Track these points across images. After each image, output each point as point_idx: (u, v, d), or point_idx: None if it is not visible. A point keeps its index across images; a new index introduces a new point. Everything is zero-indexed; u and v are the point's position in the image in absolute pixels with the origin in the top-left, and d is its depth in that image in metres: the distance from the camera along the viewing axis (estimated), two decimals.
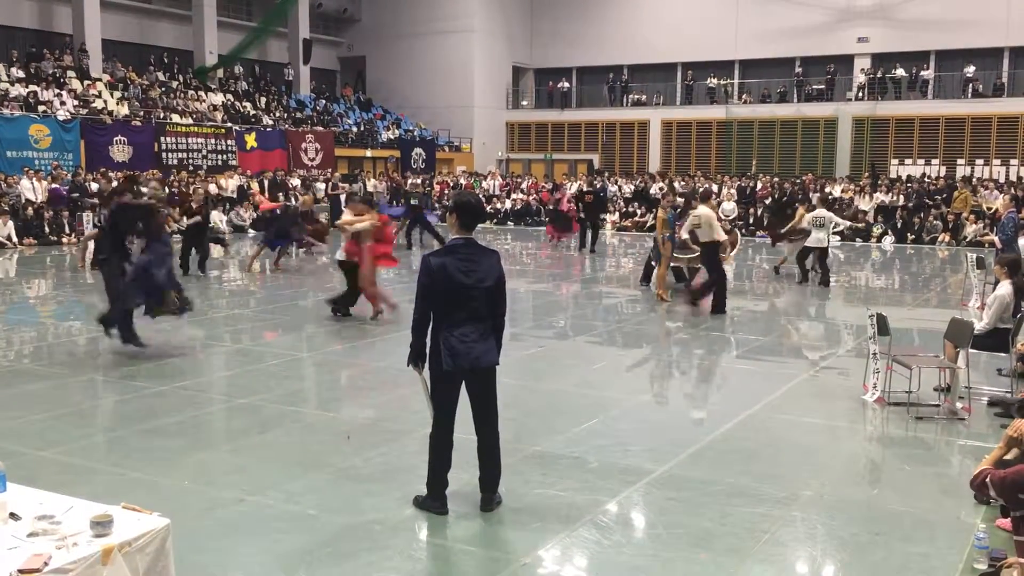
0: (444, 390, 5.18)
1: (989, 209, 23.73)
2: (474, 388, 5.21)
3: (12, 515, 3.40)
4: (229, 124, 29.26)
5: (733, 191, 27.39)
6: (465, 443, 5.35)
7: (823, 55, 33.13)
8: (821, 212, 14.91)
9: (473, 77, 36.55)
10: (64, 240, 20.91)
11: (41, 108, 24.34)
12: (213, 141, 28.12)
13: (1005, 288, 8.05)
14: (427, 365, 5.18)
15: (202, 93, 30.56)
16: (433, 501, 5.25)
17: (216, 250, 18.15)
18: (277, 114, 32.49)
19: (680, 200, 15.44)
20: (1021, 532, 4.40)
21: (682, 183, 26.57)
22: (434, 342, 5.14)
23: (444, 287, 5.04)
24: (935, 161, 30.34)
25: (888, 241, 23.97)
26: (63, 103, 25.24)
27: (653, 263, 13.91)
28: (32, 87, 25.09)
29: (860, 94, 32.42)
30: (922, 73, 31.80)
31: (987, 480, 4.48)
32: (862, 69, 32.73)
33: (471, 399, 5.23)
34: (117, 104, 26.91)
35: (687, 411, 7.89)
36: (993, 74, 31.16)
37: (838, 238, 19.21)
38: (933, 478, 6.14)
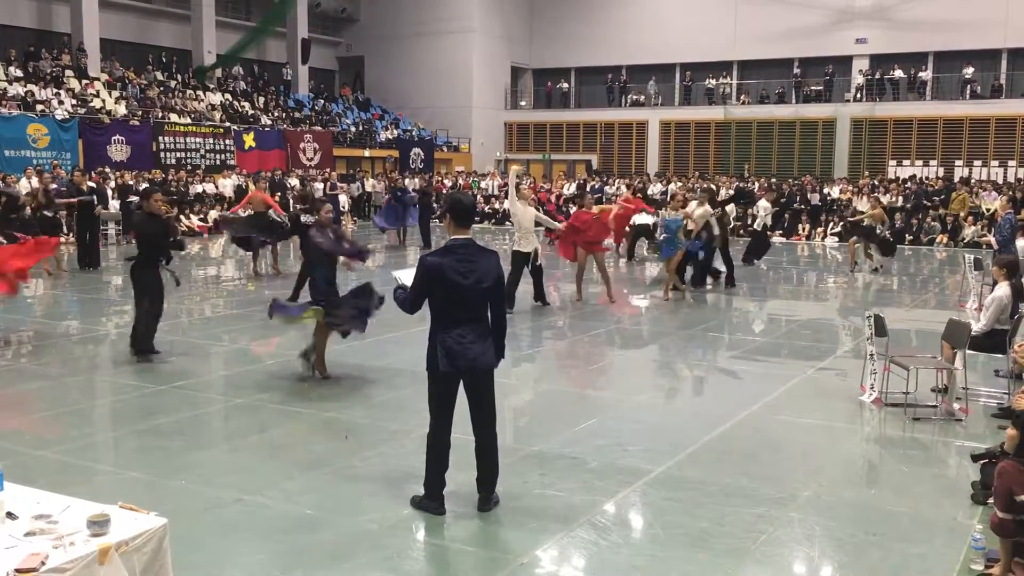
0: (441, 391, 5.17)
1: (987, 210, 23.76)
2: (472, 389, 5.20)
3: (9, 514, 3.40)
4: (227, 124, 29.24)
5: (732, 192, 27.35)
6: (463, 443, 5.35)
7: (821, 56, 33.14)
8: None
9: (472, 77, 36.55)
10: (61, 239, 20.85)
11: (39, 107, 24.32)
12: (211, 141, 28.10)
13: (1003, 289, 8.05)
14: (425, 365, 5.19)
15: (200, 93, 30.54)
16: (431, 501, 5.25)
17: None
18: (275, 114, 32.47)
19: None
20: (1008, 533, 4.42)
21: (678, 184, 26.66)
22: (431, 343, 5.13)
23: (441, 288, 5.03)
24: (933, 162, 30.38)
25: None
26: (61, 102, 25.21)
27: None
28: (30, 86, 25.06)
29: (858, 95, 32.44)
30: (920, 74, 31.83)
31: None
32: (860, 70, 32.75)
33: (469, 400, 5.22)
34: (115, 103, 26.89)
35: (685, 411, 7.89)
36: (991, 75, 31.19)
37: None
38: (930, 479, 6.14)
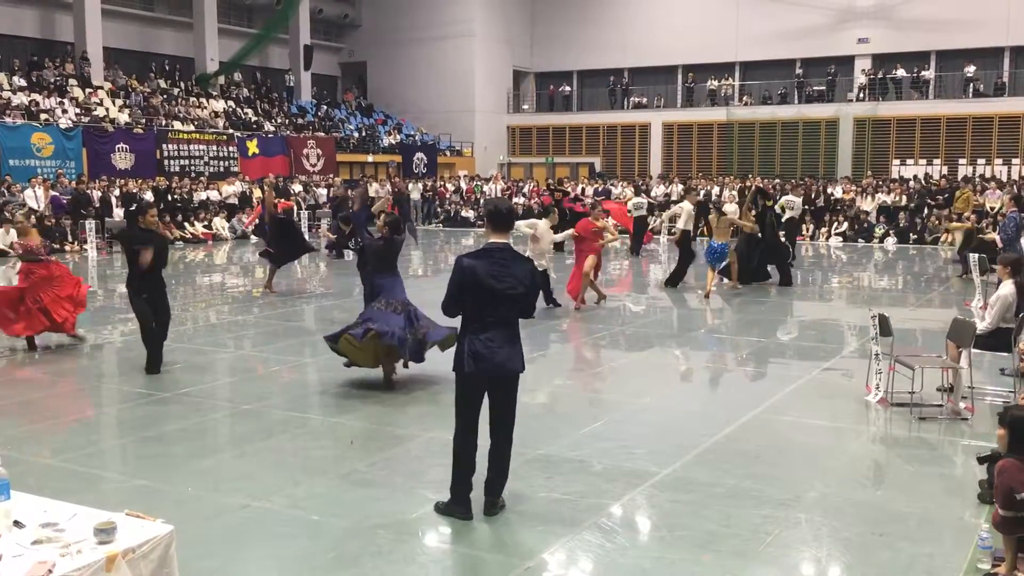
0: (467, 393, 5.16)
1: (992, 209, 23.69)
2: (495, 393, 5.18)
3: (16, 523, 3.41)
4: (231, 131, 29.32)
5: (735, 193, 27.34)
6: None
7: (824, 56, 33.16)
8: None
9: (474, 81, 36.62)
10: (67, 248, 20.94)
11: (43, 116, 24.40)
12: (215, 148, 28.19)
13: (1007, 288, 8.03)
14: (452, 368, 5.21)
15: (204, 100, 30.63)
16: (457, 506, 5.21)
17: None
18: (279, 120, 32.55)
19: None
20: (1010, 530, 4.42)
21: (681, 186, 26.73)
22: (459, 344, 5.14)
23: (473, 290, 5.03)
24: (937, 161, 30.35)
25: (891, 242, 23.96)
26: (65, 111, 25.29)
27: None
28: (34, 96, 25.15)
29: (861, 95, 32.43)
30: (923, 73, 31.81)
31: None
32: (863, 70, 32.74)
33: (491, 403, 5.20)
34: (119, 112, 26.98)
35: (691, 413, 7.88)
36: (994, 73, 31.18)
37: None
38: (937, 478, 6.13)
